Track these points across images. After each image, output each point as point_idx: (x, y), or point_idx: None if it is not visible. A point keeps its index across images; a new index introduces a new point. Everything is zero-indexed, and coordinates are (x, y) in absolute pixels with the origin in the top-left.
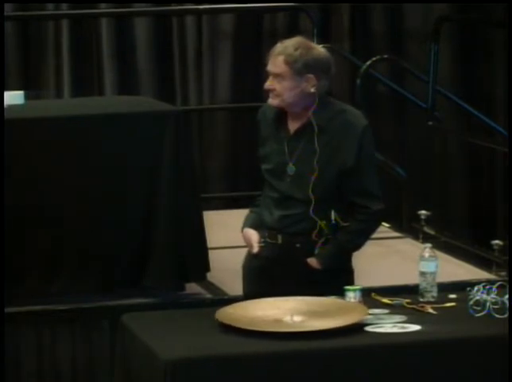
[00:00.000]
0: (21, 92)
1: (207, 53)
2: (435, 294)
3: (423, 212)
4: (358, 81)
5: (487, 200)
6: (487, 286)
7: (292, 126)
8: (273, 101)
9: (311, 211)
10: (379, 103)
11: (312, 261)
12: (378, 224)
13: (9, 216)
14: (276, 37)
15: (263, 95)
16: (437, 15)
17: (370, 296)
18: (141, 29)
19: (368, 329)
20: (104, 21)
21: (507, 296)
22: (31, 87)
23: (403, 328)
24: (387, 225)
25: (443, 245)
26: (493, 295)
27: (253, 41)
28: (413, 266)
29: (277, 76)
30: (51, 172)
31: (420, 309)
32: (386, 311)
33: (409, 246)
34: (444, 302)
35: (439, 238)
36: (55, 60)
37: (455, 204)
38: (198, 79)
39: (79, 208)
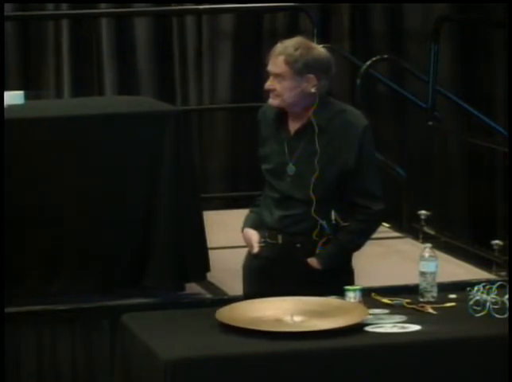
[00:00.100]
0: (21, 92)
1: (207, 53)
2: (435, 294)
3: (423, 212)
4: (358, 81)
5: (487, 200)
6: (487, 286)
7: (293, 126)
8: (273, 101)
9: (312, 211)
10: (379, 103)
11: (313, 261)
12: (378, 224)
13: (9, 216)
14: (276, 37)
15: (263, 95)
16: (437, 15)
17: (370, 296)
18: (141, 29)
19: (368, 329)
20: (104, 21)
21: (507, 296)
22: (31, 87)
23: (403, 328)
24: (387, 225)
25: (443, 245)
26: (493, 295)
27: (253, 41)
28: (413, 266)
29: (278, 76)
30: (51, 172)
31: (420, 309)
32: (386, 311)
33: (409, 246)
34: (444, 302)
35: (439, 238)
36: (55, 60)
37: (455, 204)
38: (198, 79)
39: (79, 208)
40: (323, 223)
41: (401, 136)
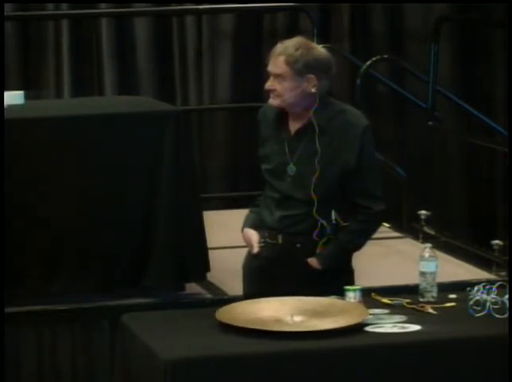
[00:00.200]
0: (21, 92)
1: (207, 53)
2: (435, 294)
3: (423, 212)
4: (358, 81)
5: (487, 200)
6: (487, 286)
7: (293, 126)
8: (273, 101)
9: (314, 211)
10: (379, 103)
11: (313, 261)
12: (378, 225)
13: (9, 216)
14: (276, 37)
15: (263, 95)
16: (437, 15)
17: (370, 296)
18: (141, 29)
19: (368, 329)
20: (104, 21)
21: (507, 296)
22: (31, 87)
23: (403, 328)
24: (387, 225)
25: (443, 245)
26: (493, 295)
27: (253, 41)
28: (413, 266)
29: (278, 76)
30: (51, 172)
31: (420, 309)
32: (386, 311)
33: (409, 246)
34: (444, 302)
35: (439, 238)
36: (55, 60)
37: (455, 204)
38: (198, 79)
39: (79, 208)
40: (324, 223)
41: (401, 136)
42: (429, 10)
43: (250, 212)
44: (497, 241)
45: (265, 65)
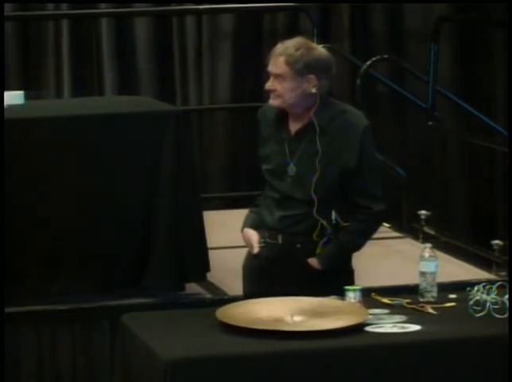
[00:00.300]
0: (21, 92)
1: (207, 53)
2: (435, 294)
3: (423, 212)
4: (358, 81)
5: (487, 200)
6: (487, 286)
7: (293, 126)
8: (274, 102)
9: (314, 211)
10: (379, 103)
11: (313, 261)
12: (378, 225)
13: (9, 216)
14: (276, 37)
15: (263, 95)
16: (437, 15)
17: (370, 296)
18: (141, 29)
19: (368, 329)
20: (104, 21)
21: (507, 296)
22: (31, 87)
23: (403, 328)
24: (387, 225)
25: (443, 245)
26: (493, 295)
27: (253, 41)
28: (413, 266)
29: (278, 76)
30: (51, 172)
31: (420, 309)
32: (386, 311)
33: (409, 246)
34: (444, 302)
35: (439, 238)
36: (55, 60)
37: (455, 204)
38: (198, 79)
39: (79, 208)
40: (324, 223)
41: (401, 136)
42: (429, 10)
43: (250, 212)
44: (497, 241)
45: (265, 65)
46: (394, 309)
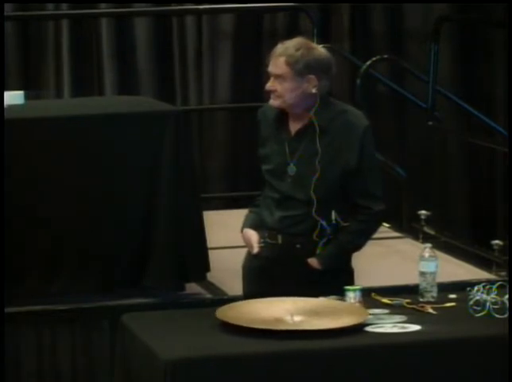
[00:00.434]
0: (21, 92)
1: (207, 53)
2: (435, 294)
3: (423, 212)
4: (358, 81)
5: (487, 200)
6: (487, 286)
7: (293, 126)
8: (274, 102)
9: (313, 211)
10: (379, 103)
11: (313, 261)
12: (378, 225)
13: (9, 216)
14: (276, 37)
15: (263, 95)
16: (437, 15)
17: (370, 296)
18: (141, 29)
19: (368, 329)
20: (104, 21)
21: (507, 296)
22: (31, 87)
23: (403, 328)
24: (387, 225)
25: (443, 245)
26: (493, 295)
27: (253, 41)
28: (413, 266)
29: (278, 77)
30: (51, 172)
31: (420, 309)
32: (386, 311)
33: (409, 246)
34: (444, 302)
35: (439, 238)
36: (55, 60)
37: (455, 204)
38: (198, 79)
39: (79, 208)
40: (324, 223)
41: (401, 136)
42: (429, 10)
43: (250, 212)
44: (497, 241)
45: (266, 65)
46: (394, 309)
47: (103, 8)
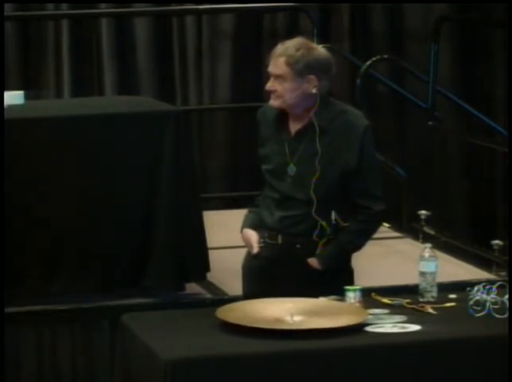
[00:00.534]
0: (21, 92)
1: (207, 53)
2: (435, 294)
3: (423, 212)
4: (358, 81)
5: (487, 200)
6: (487, 286)
7: (293, 127)
8: (274, 102)
9: (313, 211)
10: (379, 103)
11: (313, 261)
12: (378, 225)
13: (9, 216)
14: (276, 37)
15: (263, 95)
16: (437, 15)
17: (370, 296)
18: (141, 29)
19: (368, 329)
20: (104, 21)
21: (507, 296)
22: (31, 87)
23: (403, 328)
24: (387, 225)
25: (443, 245)
26: (493, 295)
27: (253, 41)
28: (413, 266)
29: (279, 77)
30: (51, 172)
31: (420, 309)
32: (386, 311)
33: (409, 246)
34: (444, 302)
35: (439, 238)
36: (55, 60)
37: (455, 204)
38: (198, 79)
39: (79, 208)
40: (324, 223)
41: (401, 136)
42: (429, 10)
43: (249, 212)
44: (497, 241)
45: (266, 65)
46: (394, 309)
47: (103, 8)
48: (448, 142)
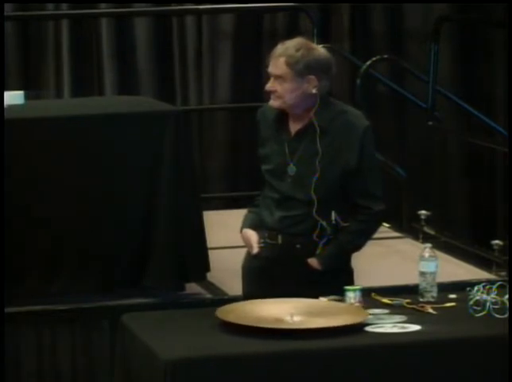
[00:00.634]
0: (21, 92)
1: (207, 53)
2: (435, 294)
3: (423, 212)
4: (358, 81)
5: (487, 200)
6: (487, 286)
7: (293, 127)
8: (274, 103)
9: (313, 211)
10: (379, 103)
11: (313, 261)
12: (378, 225)
13: (9, 216)
14: (276, 37)
15: (263, 95)
16: (437, 15)
17: (370, 296)
18: (141, 29)
19: (368, 329)
20: (104, 21)
21: (507, 296)
22: (31, 87)
23: (403, 328)
24: (387, 225)
25: (443, 245)
26: (493, 295)
27: (253, 41)
28: (413, 266)
29: (279, 77)
30: (51, 172)
31: (420, 309)
32: (386, 311)
33: (409, 246)
34: (444, 302)
35: (439, 238)
36: (55, 60)
37: (455, 204)
38: (198, 79)
39: (79, 208)
40: (324, 224)
41: (401, 136)
42: (429, 10)
43: (249, 212)
44: (497, 241)
45: (266, 65)
46: (394, 309)
47: (103, 8)
48: (448, 142)
